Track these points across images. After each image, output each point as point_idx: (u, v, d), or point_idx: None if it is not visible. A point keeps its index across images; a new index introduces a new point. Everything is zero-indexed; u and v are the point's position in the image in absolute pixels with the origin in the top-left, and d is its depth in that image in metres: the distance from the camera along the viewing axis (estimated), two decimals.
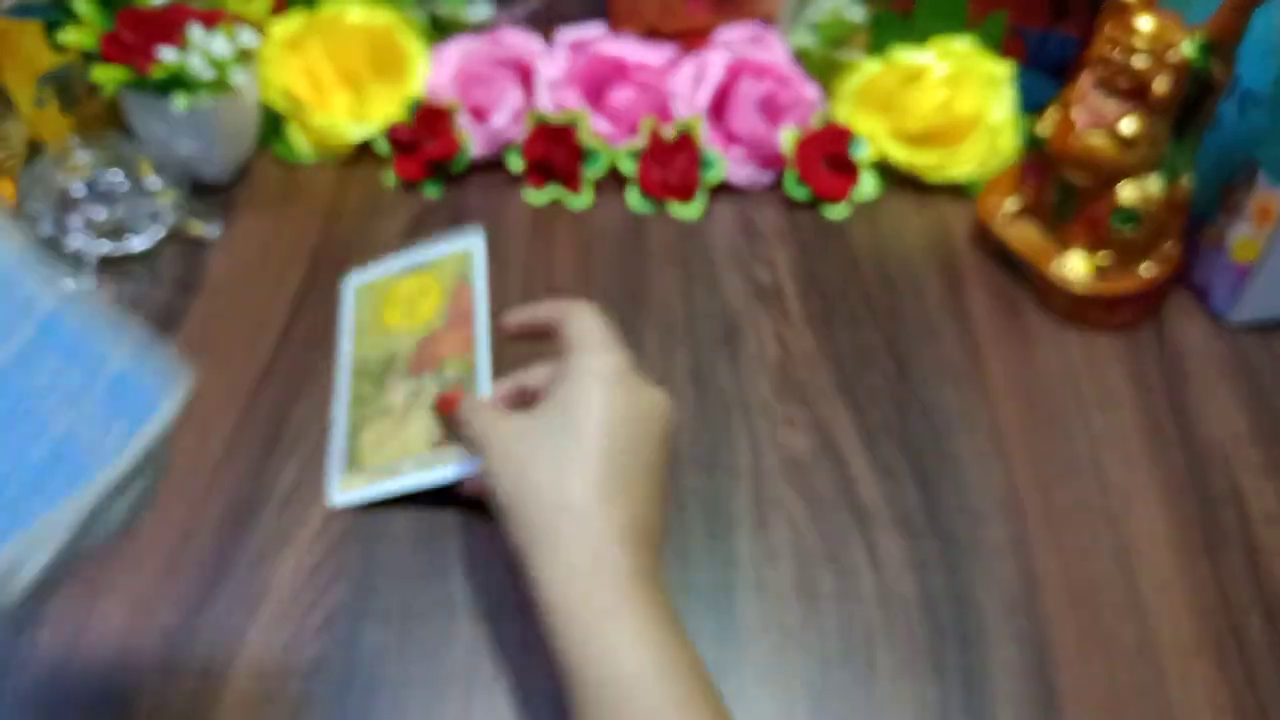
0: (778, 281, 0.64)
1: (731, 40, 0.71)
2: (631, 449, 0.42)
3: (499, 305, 0.53)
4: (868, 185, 0.69)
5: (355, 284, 0.60)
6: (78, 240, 0.61)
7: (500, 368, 0.51)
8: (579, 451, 0.41)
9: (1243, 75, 0.59)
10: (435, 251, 0.59)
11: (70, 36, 0.62)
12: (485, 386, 0.51)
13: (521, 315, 0.50)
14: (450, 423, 0.50)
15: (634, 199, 0.69)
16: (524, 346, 0.51)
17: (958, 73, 0.69)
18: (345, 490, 0.52)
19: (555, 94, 0.70)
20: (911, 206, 0.69)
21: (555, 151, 0.68)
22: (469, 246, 0.58)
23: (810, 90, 0.71)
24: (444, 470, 0.51)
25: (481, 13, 0.73)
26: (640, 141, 0.69)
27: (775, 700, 0.45)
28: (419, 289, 0.58)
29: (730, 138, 0.70)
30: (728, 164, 0.69)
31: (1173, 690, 0.46)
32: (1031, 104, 0.68)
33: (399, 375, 0.55)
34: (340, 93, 0.71)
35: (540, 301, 0.49)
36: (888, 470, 0.54)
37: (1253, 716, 0.45)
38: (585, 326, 0.46)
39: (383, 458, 0.52)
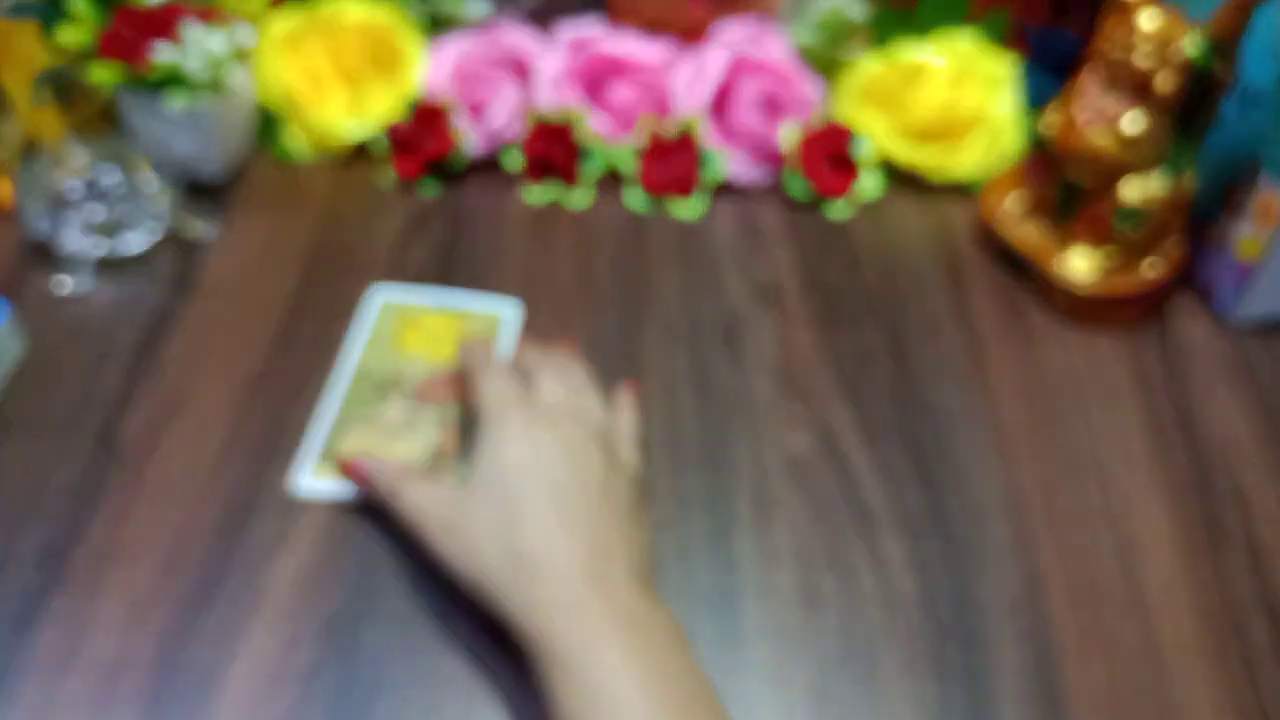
0: (779, 281, 0.64)
1: (732, 38, 0.71)
2: (576, 484, 0.43)
3: None
4: (870, 184, 0.69)
5: (384, 298, 0.61)
6: (74, 240, 0.60)
7: None
8: (522, 511, 0.43)
9: (1245, 73, 0.59)
10: (471, 302, 0.60)
11: (67, 36, 0.61)
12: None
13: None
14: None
15: (634, 198, 0.69)
16: None
17: (960, 71, 0.69)
18: (318, 478, 0.52)
19: (554, 92, 0.69)
20: (913, 205, 0.69)
21: (554, 150, 0.68)
22: (502, 310, 0.60)
23: (811, 88, 0.70)
24: None
25: (479, 10, 0.73)
26: (640, 140, 0.69)
27: (776, 701, 0.45)
28: (446, 327, 0.59)
29: (731, 136, 0.70)
30: (728, 163, 0.69)
31: (1175, 690, 0.46)
32: (1034, 102, 0.68)
33: (402, 394, 0.55)
34: (338, 91, 0.71)
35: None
36: (889, 470, 0.54)
37: (1254, 717, 0.45)
38: (490, 390, 0.47)
39: None
